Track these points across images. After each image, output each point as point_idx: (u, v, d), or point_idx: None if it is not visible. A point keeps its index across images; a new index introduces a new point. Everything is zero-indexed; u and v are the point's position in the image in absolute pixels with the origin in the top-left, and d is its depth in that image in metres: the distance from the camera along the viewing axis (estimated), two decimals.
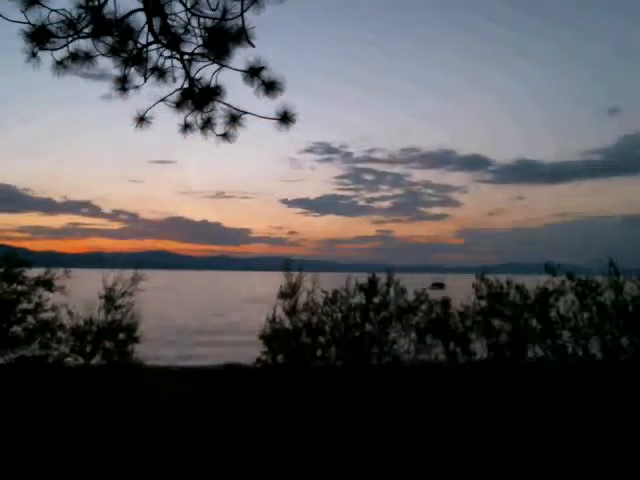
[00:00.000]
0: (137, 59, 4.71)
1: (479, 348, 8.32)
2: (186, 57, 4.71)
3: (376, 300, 8.08)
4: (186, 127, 5.19)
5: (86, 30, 4.32)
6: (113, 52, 4.57)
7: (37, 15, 4.16)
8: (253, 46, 4.39)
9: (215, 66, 4.72)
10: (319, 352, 7.69)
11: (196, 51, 4.61)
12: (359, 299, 8.10)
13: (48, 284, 7.24)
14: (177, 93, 4.99)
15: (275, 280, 8.79)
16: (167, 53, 4.76)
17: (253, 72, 4.64)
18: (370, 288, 8.10)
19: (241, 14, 4.20)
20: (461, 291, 10.00)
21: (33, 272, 7.34)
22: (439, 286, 50.67)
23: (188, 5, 4.33)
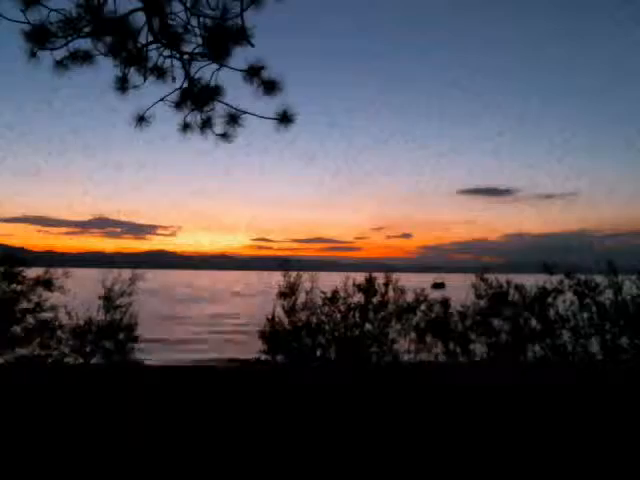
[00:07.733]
0: (137, 59, 4.71)
1: (479, 348, 8.30)
2: (186, 57, 4.70)
3: (374, 300, 8.06)
4: (185, 127, 5.20)
5: (86, 30, 4.32)
6: (113, 52, 4.57)
7: (37, 14, 4.16)
8: (253, 46, 4.39)
9: (215, 66, 4.72)
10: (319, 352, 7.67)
11: (196, 51, 4.61)
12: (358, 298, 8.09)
13: None
14: (177, 93, 4.99)
15: None
16: (167, 53, 4.75)
17: (253, 72, 4.65)
18: (368, 287, 8.09)
19: (241, 14, 4.20)
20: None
21: None
22: (439, 286, 50.53)
23: (188, 4, 4.33)
